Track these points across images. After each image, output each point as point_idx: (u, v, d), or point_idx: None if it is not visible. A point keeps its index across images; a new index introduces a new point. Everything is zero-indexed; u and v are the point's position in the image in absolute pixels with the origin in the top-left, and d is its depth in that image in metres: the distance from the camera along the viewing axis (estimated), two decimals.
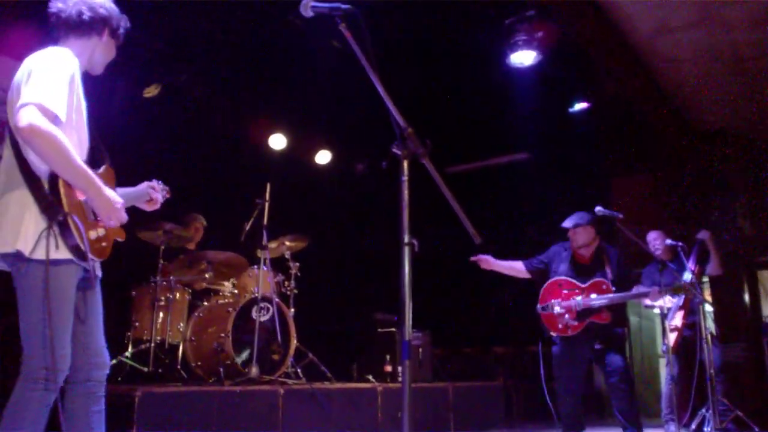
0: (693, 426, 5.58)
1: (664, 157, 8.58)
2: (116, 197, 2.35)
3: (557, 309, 4.78)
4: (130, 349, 5.11)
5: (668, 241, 5.61)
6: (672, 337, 5.62)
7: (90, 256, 2.22)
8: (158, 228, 5.23)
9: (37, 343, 2.15)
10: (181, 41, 5.94)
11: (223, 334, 4.99)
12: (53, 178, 2.19)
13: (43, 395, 2.15)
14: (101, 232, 2.33)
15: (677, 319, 5.66)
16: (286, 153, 7.83)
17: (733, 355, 7.30)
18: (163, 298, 5.27)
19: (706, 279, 7.38)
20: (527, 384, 7.56)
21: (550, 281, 4.92)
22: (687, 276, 5.57)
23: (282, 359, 5.24)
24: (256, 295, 5.21)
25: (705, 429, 5.25)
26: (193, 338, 5.25)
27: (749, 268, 8.53)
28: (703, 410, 5.41)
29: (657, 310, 5.87)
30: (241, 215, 5.67)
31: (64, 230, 2.16)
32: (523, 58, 6.21)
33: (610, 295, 4.70)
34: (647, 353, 8.57)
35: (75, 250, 2.18)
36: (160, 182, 2.89)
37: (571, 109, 7.57)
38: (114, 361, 4.94)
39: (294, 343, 5.37)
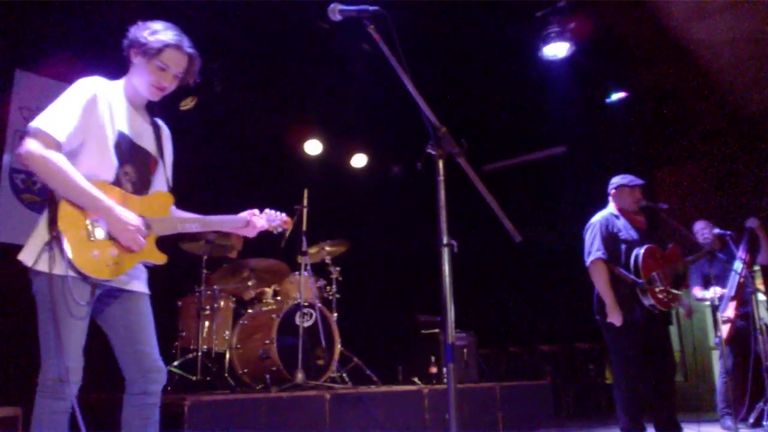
0: (751, 420, 5.41)
1: (708, 145, 8.35)
2: (132, 219, 2.35)
3: (660, 283, 4.26)
4: (178, 359, 5.18)
5: (716, 230, 5.46)
6: (725, 329, 5.46)
7: (84, 273, 2.24)
8: (200, 238, 5.30)
9: (45, 353, 2.26)
10: (213, 51, 6.02)
11: (267, 341, 5.03)
12: (52, 197, 2.27)
13: (52, 404, 2.23)
14: (113, 251, 2.34)
15: (729, 310, 5.50)
16: (322, 158, 7.87)
17: None
18: (208, 307, 5.33)
19: (757, 268, 7.16)
20: (575, 382, 7.45)
21: (644, 250, 4.34)
22: (737, 265, 5.42)
23: (327, 364, 5.26)
24: (299, 301, 5.23)
25: (764, 423, 5.09)
26: (238, 346, 5.30)
27: None
28: (761, 403, 5.24)
29: (708, 303, 5.73)
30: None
31: (60, 247, 2.22)
32: (557, 50, 6.14)
33: (697, 255, 4.48)
34: (699, 346, 8.35)
35: (71, 266, 2.23)
36: (276, 211, 2.95)
37: (608, 100, 7.44)
38: None
39: (338, 347, 5.38)
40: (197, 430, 3.63)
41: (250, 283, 5.54)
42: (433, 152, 1.98)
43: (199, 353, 5.12)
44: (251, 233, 2.89)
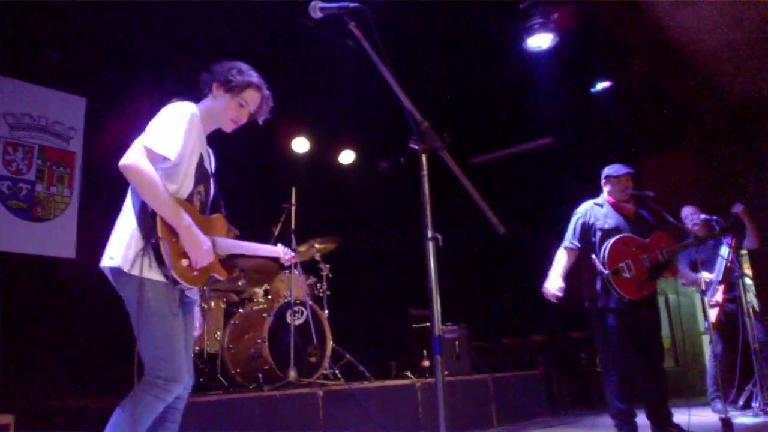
0: (740, 402, 5.47)
1: (693, 132, 8.40)
2: (206, 240, 2.52)
3: (630, 271, 4.30)
4: None
5: (703, 216, 5.51)
6: (713, 313, 5.52)
7: (177, 279, 2.41)
8: None
9: (152, 353, 2.38)
10: (199, 48, 5.99)
11: (259, 340, 5.04)
12: (144, 206, 2.44)
13: (152, 402, 2.34)
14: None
15: (718, 295, 5.56)
16: (310, 156, 7.85)
17: None
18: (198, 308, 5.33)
19: (744, 252, 7.23)
20: (568, 371, 7.49)
21: (613, 240, 4.40)
22: (724, 250, 5.47)
23: (319, 361, 5.27)
24: (290, 299, 5.24)
25: (753, 404, 5.14)
26: (230, 346, 5.30)
27: None
28: (750, 386, 5.30)
29: (695, 287, 5.78)
30: (269, 220, 5.71)
31: (156, 253, 2.38)
32: (541, 41, 6.15)
33: (678, 245, 4.43)
34: (688, 331, 8.41)
35: (164, 273, 2.40)
36: (287, 248, 3.42)
37: (593, 90, 7.47)
38: None
39: (330, 344, 5.39)
40: (191, 431, 3.63)
41: (240, 283, 5.53)
42: (416, 147, 1.98)
43: (191, 355, 5.10)
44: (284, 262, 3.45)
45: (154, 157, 2.41)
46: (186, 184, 2.59)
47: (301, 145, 7.76)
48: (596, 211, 4.62)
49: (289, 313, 5.17)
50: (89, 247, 4.73)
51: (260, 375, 4.87)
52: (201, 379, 5.12)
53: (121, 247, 2.42)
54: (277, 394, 4.27)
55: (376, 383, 5.26)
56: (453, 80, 7.17)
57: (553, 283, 4.41)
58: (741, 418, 4.84)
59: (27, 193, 5.48)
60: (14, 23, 5.14)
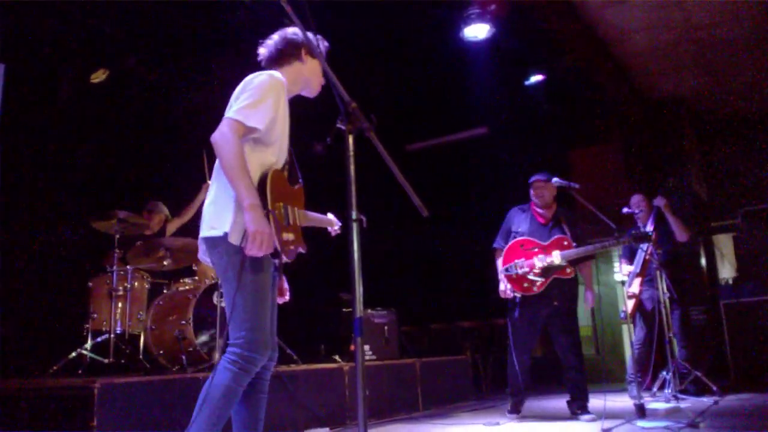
0: (654, 388, 5.72)
1: (621, 128, 8.69)
2: (267, 226, 2.35)
3: (521, 268, 4.80)
4: (89, 342, 5.01)
5: (624, 209, 5.72)
6: (630, 303, 5.73)
7: (281, 250, 2.38)
8: (112, 217, 5.12)
9: (239, 326, 2.33)
10: (130, 25, 5.78)
11: (183, 321, 4.92)
12: (263, 177, 2.43)
13: (237, 375, 2.30)
14: (292, 236, 2.51)
15: (635, 286, 5.77)
16: None
17: (691, 318, 7.50)
18: (120, 287, 5.17)
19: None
20: (494, 356, 7.66)
21: (511, 242, 4.94)
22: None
23: None
24: (216, 280, 5.14)
25: (666, 390, 5.38)
26: (153, 327, 5.16)
27: (705, 233, 8.74)
28: (664, 372, 5.54)
29: (618, 277, 6.00)
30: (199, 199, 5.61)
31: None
32: (477, 31, 6.20)
33: (576, 250, 4.72)
34: (609, 321, 8.74)
35: (276, 245, 2.35)
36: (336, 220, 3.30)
37: (527, 82, 7.60)
38: (73, 354, 4.86)
39: None
40: (109, 414, 3.52)
41: (165, 263, 5.39)
42: (343, 127, 1.97)
43: (112, 335, 4.96)
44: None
45: (242, 130, 2.37)
46: (282, 155, 2.60)
47: None
48: (517, 215, 5.10)
49: (215, 294, 5.08)
50: None
51: (184, 357, 4.77)
52: (122, 361, 5.00)
53: (225, 216, 2.37)
54: (200, 377, 4.19)
55: (304, 366, 5.25)
56: (389, 67, 7.16)
57: (501, 285, 4.93)
58: (654, 404, 5.05)
59: None
60: None
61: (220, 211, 2.42)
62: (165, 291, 5.49)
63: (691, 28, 6.73)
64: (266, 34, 2.79)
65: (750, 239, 7.69)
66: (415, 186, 2.00)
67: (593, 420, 4.53)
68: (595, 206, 4.67)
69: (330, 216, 3.30)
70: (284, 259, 2.49)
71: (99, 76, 6.00)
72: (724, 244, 9.05)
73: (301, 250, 2.63)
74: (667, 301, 5.53)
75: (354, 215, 1.90)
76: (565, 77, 7.59)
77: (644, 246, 5.54)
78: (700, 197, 8.80)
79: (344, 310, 6.65)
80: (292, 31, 2.68)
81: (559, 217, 4.96)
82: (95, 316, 5.17)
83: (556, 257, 4.73)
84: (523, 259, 4.81)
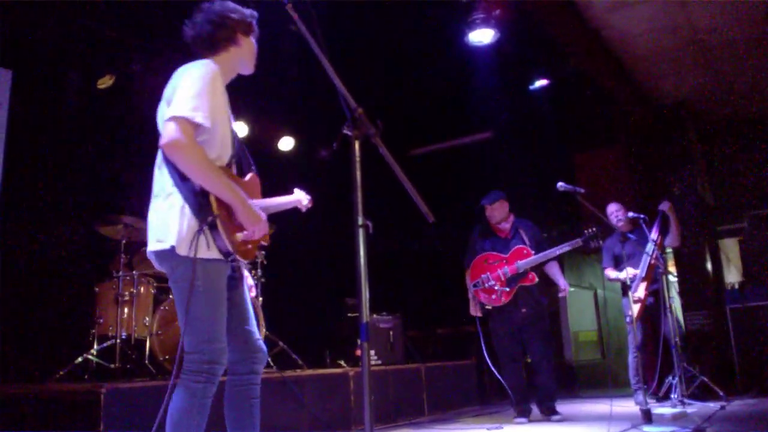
0: (660, 394, 5.69)
1: (625, 131, 8.68)
2: (260, 212, 2.39)
3: (488, 282, 5.15)
4: (95, 347, 5.02)
5: (630, 214, 5.70)
6: (636, 308, 5.71)
7: (236, 256, 2.30)
8: (118, 222, 5.13)
9: (196, 337, 2.27)
10: (136, 30, 5.80)
11: None
12: (191, 185, 2.28)
13: (205, 387, 2.26)
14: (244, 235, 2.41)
15: (640, 291, 5.74)
16: (248, 140, 7.71)
17: (697, 323, 7.47)
18: (126, 292, 5.19)
19: (669, 250, 7.52)
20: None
21: (475, 258, 5.28)
22: (649, 247, 5.66)
23: None
24: None
25: (672, 396, 5.36)
26: (159, 332, 5.17)
27: (711, 237, 8.70)
28: (670, 378, 5.52)
29: (619, 283, 5.98)
30: None
31: (213, 231, 2.24)
32: (482, 36, 6.20)
33: (535, 257, 5.06)
34: (615, 325, 8.71)
35: (222, 250, 2.28)
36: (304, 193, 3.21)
37: (531, 87, 7.60)
38: (79, 360, 4.87)
39: (263, 332, 5.34)
40: (115, 419, 3.53)
41: None
42: (349, 133, 1.98)
43: (118, 340, 4.97)
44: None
45: (194, 129, 2.22)
46: (225, 150, 2.42)
47: (239, 129, 7.61)
48: (480, 232, 5.43)
49: None
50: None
51: None
52: (128, 366, 5.00)
53: (170, 228, 2.23)
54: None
55: (309, 371, 5.25)
56: (394, 72, 7.17)
57: (472, 306, 5.31)
58: (660, 409, 5.03)
59: None
60: None
61: (163, 222, 2.28)
62: (170, 296, 5.50)
63: (694, 33, 6.72)
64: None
65: (756, 243, 7.67)
66: (420, 190, 2.01)
67: (562, 420, 5.03)
68: (599, 210, 4.68)
69: (297, 192, 3.15)
70: (243, 261, 2.39)
71: (106, 82, 6.03)
72: (730, 248, 9.02)
73: (264, 243, 2.52)
74: (672, 305, 5.52)
75: (360, 221, 1.91)
76: (570, 81, 7.59)
77: (650, 250, 5.54)
78: (705, 201, 8.77)
79: (350, 314, 6.65)
80: (220, 13, 2.50)
81: (517, 227, 5.31)
82: (101, 321, 5.19)
83: (518, 266, 5.07)
84: (488, 273, 5.16)
